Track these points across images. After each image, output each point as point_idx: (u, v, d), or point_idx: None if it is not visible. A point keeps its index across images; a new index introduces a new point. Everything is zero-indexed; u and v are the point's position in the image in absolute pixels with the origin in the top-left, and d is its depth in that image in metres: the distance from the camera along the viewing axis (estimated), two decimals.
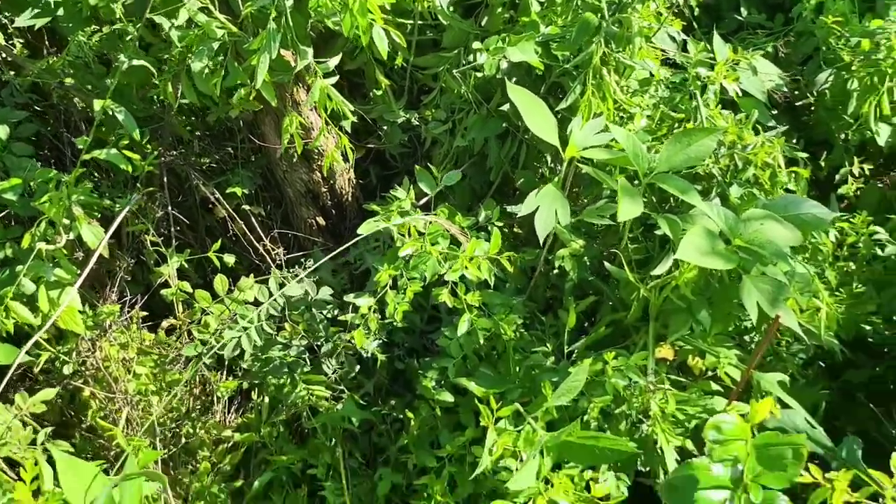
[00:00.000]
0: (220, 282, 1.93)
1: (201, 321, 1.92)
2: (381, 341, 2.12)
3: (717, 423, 1.09)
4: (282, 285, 1.97)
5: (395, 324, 2.22)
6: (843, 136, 2.52)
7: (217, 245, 2.01)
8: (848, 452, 1.63)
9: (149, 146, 2.12)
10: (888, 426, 2.05)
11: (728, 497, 1.13)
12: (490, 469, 1.65)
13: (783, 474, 1.10)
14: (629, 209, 1.55)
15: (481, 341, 1.78)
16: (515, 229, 2.44)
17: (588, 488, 1.63)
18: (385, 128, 2.36)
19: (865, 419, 2.12)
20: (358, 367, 2.18)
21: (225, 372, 2.40)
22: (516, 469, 1.57)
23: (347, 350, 1.99)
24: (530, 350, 1.86)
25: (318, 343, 2.00)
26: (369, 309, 1.80)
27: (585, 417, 1.65)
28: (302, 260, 2.21)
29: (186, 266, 2.29)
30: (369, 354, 2.10)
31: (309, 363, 2.19)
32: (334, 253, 1.89)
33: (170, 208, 2.06)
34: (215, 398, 2.22)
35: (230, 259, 2.02)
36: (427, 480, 1.79)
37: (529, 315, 2.03)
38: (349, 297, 1.83)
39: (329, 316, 2.00)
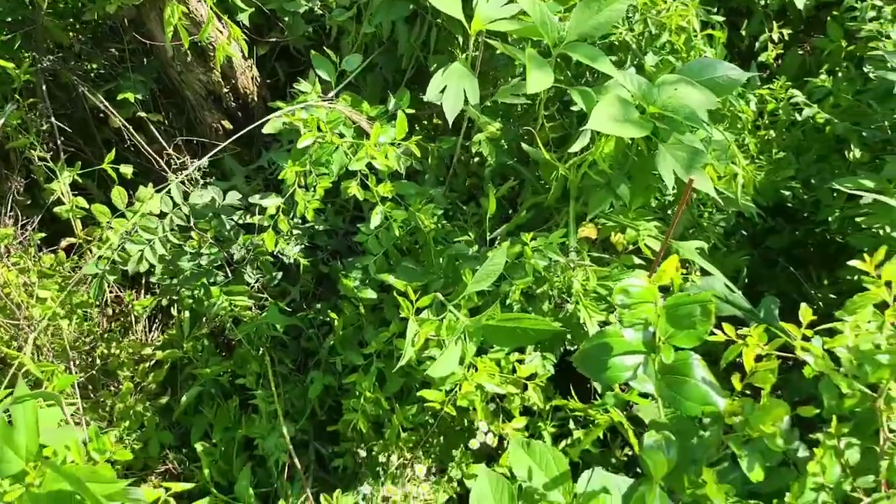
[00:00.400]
0: (118, 194, 1.80)
1: (103, 237, 1.80)
2: (303, 246, 2.05)
3: (625, 288, 1.07)
4: (186, 194, 1.86)
5: (316, 227, 2.15)
6: (762, 1, 2.46)
7: (111, 156, 1.86)
8: (765, 312, 1.65)
9: (24, 53, 1.93)
10: (807, 287, 2.11)
11: (641, 361, 1.12)
12: (415, 360, 1.63)
13: (694, 333, 1.09)
14: (538, 80, 1.47)
15: (397, 233, 1.72)
16: (435, 120, 2.35)
17: (515, 371, 1.62)
18: (286, 19, 2.20)
19: (786, 282, 2.17)
20: (281, 274, 2.11)
21: (143, 290, 2.30)
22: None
23: (261, 254, 1.91)
24: (452, 240, 1.81)
25: (231, 251, 1.91)
26: (278, 210, 1.71)
27: (508, 301, 1.62)
28: (209, 167, 2.09)
29: (84, 182, 2.15)
30: (292, 260, 2.03)
31: (230, 274, 2.11)
32: (254, 165, 1.77)
33: (53, 119, 1.90)
34: (133, 318, 2.13)
35: (127, 170, 1.88)
36: (355, 378, 1.76)
37: (451, 205, 1.98)
38: (254, 199, 1.74)
39: (241, 222, 1.90)
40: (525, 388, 1.65)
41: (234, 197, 1.84)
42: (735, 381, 1.09)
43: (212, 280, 2.00)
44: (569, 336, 1.76)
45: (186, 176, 2.07)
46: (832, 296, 2.08)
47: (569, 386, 1.76)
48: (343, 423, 1.80)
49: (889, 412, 1.13)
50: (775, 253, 2.25)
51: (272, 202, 1.68)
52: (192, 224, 1.81)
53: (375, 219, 1.67)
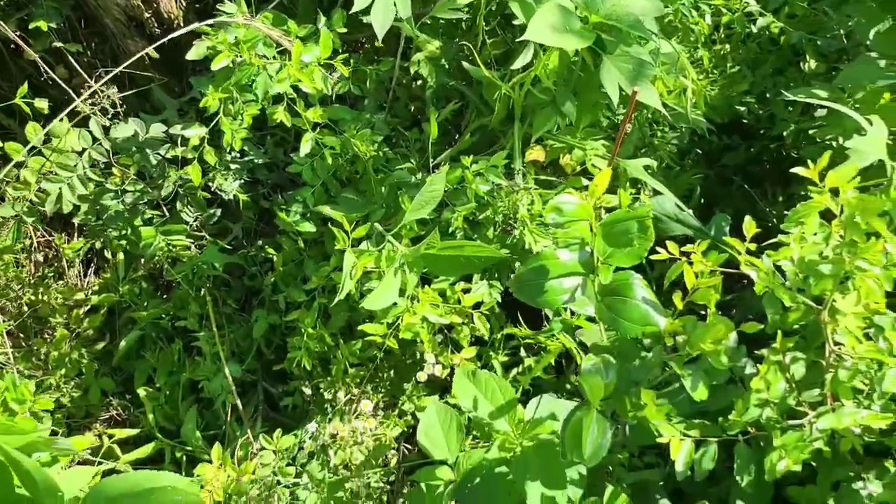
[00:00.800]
0: (31, 129, 1.67)
1: (19, 177, 1.68)
2: (243, 181, 1.94)
3: (557, 206, 1.00)
4: (107, 128, 1.74)
5: (256, 160, 2.04)
6: None
7: (23, 89, 1.72)
8: (716, 230, 1.61)
9: None
10: (763, 204, 2.07)
11: (580, 283, 1.07)
12: (357, 295, 1.57)
13: (632, 251, 1.03)
14: None
15: (331, 162, 1.63)
16: (377, 43, 2.22)
17: (461, 301, 1.57)
18: None
19: (742, 200, 2.13)
20: (220, 211, 2.01)
21: (76, 233, 2.19)
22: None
23: (192, 190, 1.81)
24: (393, 168, 1.73)
25: (160, 188, 1.80)
26: (202, 141, 1.60)
27: (451, 229, 1.55)
28: (138, 100, 1.96)
29: (7, 121, 2.01)
30: (231, 196, 1.93)
31: (167, 213, 2.01)
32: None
33: None
34: (66, 263, 2.02)
35: (42, 104, 1.74)
36: (297, 315, 1.69)
37: (393, 132, 1.88)
38: (175, 129, 1.62)
39: (169, 156, 1.79)
40: (471, 318, 1.60)
41: (157, 129, 1.72)
42: (676, 299, 1.04)
43: (141, 219, 1.90)
44: (516, 263, 1.70)
45: (104, 108, 1.93)
46: (786, 212, 2.04)
47: (521, 310, 1.71)
48: (288, 361, 1.74)
49: (833, 324, 1.09)
50: (731, 171, 2.20)
51: (195, 132, 1.57)
52: (112, 159, 1.70)
53: (305, 146, 1.57)
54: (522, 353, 1.76)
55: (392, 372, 1.81)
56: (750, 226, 1.07)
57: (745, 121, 2.14)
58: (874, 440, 1.19)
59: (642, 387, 1.04)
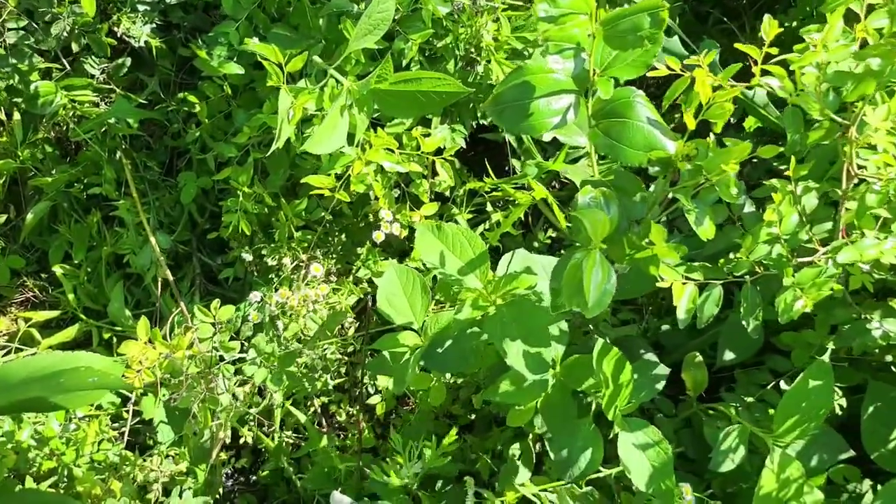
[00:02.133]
0: None
1: None
2: (154, 25, 1.65)
3: None
4: None
5: (168, 0, 1.73)
6: None
7: None
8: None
9: None
10: (742, 38, 1.88)
11: (572, 102, 0.88)
12: (298, 145, 1.35)
13: (638, 58, 0.84)
14: None
15: None
16: None
17: (420, 147, 1.37)
18: None
19: (720, 36, 1.94)
20: (130, 60, 1.72)
21: None
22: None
23: (86, 24, 1.51)
24: None
25: (50, 29, 1.50)
26: None
27: (404, 62, 1.33)
28: None
29: None
30: (142, 43, 1.64)
31: (69, 66, 1.71)
32: None
33: None
34: None
35: None
36: (229, 173, 1.47)
37: None
38: None
39: None
40: (433, 167, 1.41)
41: None
42: (688, 117, 0.86)
43: (38, 73, 1.61)
44: (480, 105, 1.50)
45: None
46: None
47: (484, 167, 1.53)
48: (224, 228, 1.53)
49: (857, 145, 0.94)
50: (708, 5, 2.00)
51: None
52: None
53: None
54: (489, 208, 1.59)
55: (343, 236, 1.62)
56: (772, 25, 0.88)
57: None
58: (884, 277, 1.07)
59: (647, 224, 0.89)
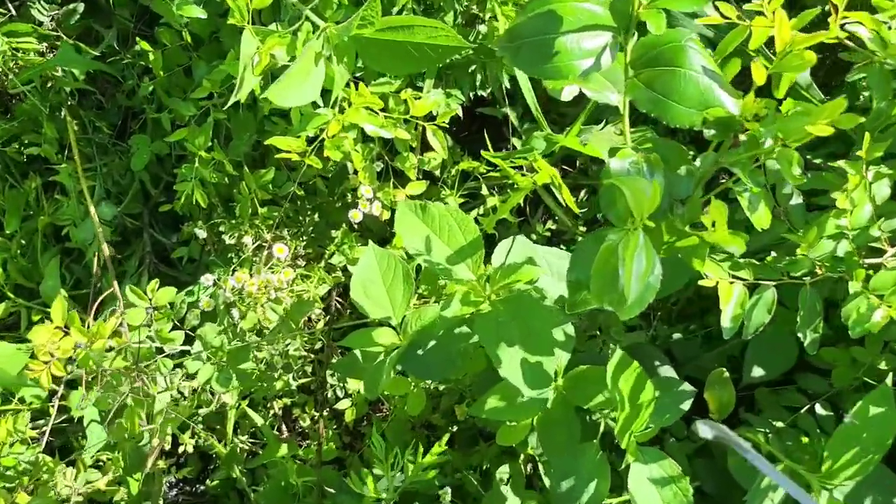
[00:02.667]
0: None
1: None
2: None
3: None
4: None
5: None
6: None
7: None
8: None
9: None
10: None
11: (608, 42, 0.68)
12: (267, 106, 1.15)
13: None
14: None
15: None
16: None
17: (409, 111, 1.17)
18: None
19: None
20: (83, 6, 1.51)
21: None
22: None
23: None
24: None
25: None
26: None
27: (395, 9, 1.13)
28: None
29: None
30: None
31: (13, 11, 1.50)
32: None
33: None
34: None
35: None
36: (184, 134, 1.26)
37: None
38: None
39: None
40: (423, 139, 1.21)
41: None
42: (756, 68, 0.66)
43: None
44: (480, 72, 1.30)
45: None
46: None
47: (478, 149, 1.34)
48: (178, 200, 1.32)
49: None
50: None
51: None
52: None
53: None
54: (484, 191, 1.39)
55: (317, 216, 1.42)
56: None
57: None
58: None
59: (695, 201, 0.70)
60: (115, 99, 1.54)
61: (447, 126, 1.21)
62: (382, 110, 1.09)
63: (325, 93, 1.05)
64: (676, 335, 1.43)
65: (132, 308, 0.96)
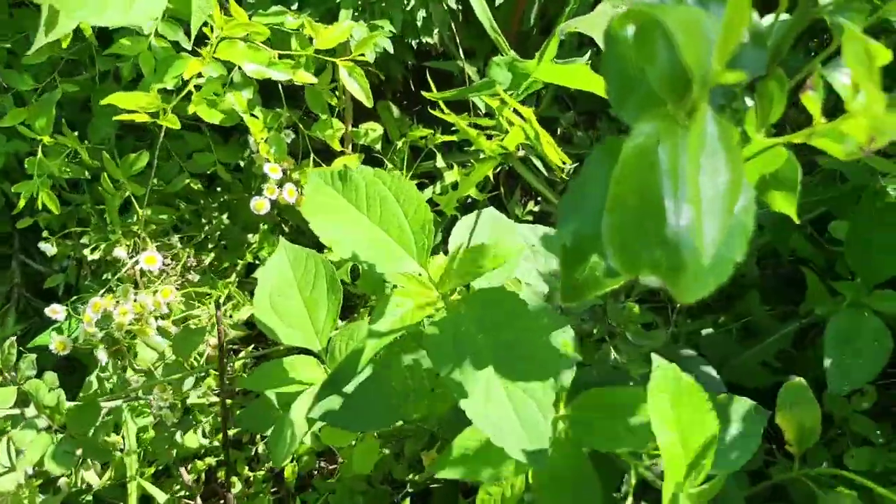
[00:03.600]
0: None
1: None
2: None
3: None
4: None
5: None
6: None
7: None
8: None
9: None
10: None
11: None
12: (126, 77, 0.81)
13: None
14: None
15: None
16: None
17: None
18: None
19: None
20: None
21: None
22: None
23: None
24: None
25: None
26: None
27: None
28: None
29: None
30: None
31: None
32: None
33: None
34: None
35: None
36: (24, 115, 0.92)
37: None
38: None
39: None
40: (355, 106, 0.88)
41: None
42: None
43: None
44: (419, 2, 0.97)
45: None
46: None
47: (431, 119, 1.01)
48: (42, 212, 0.98)
49: None
50: None
51: None
52: None
53: None
54: (439, 162, 1.06)
55: (225, 217, 1.08)
56: None
57: None
58: None
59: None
60: None
61: (374, 69, 0.88)
62: (269, 36, 0.75)
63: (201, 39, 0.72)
64: (706, 330, 1.11)
65: None
